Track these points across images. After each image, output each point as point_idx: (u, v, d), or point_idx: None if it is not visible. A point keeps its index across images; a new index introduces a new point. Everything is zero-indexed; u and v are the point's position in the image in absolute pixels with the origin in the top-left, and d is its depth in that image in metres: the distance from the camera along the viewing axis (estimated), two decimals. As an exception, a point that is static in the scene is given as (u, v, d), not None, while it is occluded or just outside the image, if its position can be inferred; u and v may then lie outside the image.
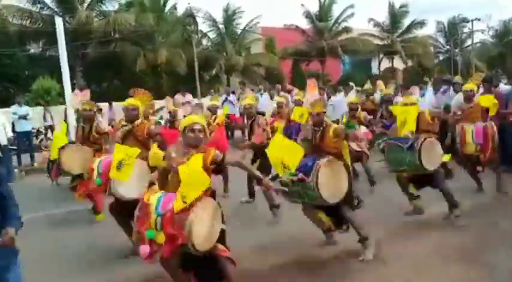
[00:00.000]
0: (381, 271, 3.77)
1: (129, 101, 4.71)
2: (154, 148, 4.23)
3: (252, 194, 6.18)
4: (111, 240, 4.84)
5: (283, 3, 60.02)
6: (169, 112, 7.44)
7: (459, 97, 7.24)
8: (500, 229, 4.61)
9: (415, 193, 5.23)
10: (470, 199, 5.61)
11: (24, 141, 10.58)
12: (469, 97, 6.01)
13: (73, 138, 7.01)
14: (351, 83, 12.29)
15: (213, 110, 7.26)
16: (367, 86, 8.92)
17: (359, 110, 6.99)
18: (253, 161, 5.68)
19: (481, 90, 7.84)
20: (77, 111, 7.56)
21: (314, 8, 30.08)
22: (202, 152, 3.15)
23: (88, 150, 5.56)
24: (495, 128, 5.83)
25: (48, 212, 6.30)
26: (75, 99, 6.68)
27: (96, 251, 4.66)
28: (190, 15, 24.72)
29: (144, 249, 2.86)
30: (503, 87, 8.12)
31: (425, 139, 4.81)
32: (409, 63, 32.22)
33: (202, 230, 2.89)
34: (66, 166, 5.56)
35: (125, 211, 4.08)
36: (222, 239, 3.11)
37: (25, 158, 10.67)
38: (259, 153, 5.45)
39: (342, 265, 3.92)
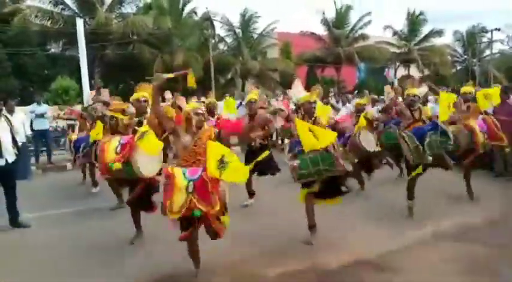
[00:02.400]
0: (393, 280, 3.74)
1: (140, 93, 4.94)
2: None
3: (251, 193, 6.17)
4: (126, 236, 4.90)
5: (300, 9, 60.10)
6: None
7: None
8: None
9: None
10: (482, 210, 5.53)
11: (41, 140, 10.76)
12: (467, 100, 6.39)
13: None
14: (366, 91, 12.23)
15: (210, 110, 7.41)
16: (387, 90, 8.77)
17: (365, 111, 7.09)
18: (251, 159, 5.65)
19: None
20: (85, 108, 7.94)
21: (331, 15, 30.09)
22: (206, 131, 3.85)
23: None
24: (493, 118, 6.22)
25: (64, 210, 6.39)
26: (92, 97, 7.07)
27: (110, 247, 4.71)
28: (207, 19, 24.93)
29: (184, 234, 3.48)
30: None
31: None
32: (426, 72, 31.89)
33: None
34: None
35: (140, 200, 4.56)
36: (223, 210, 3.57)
37: (42, 156, 10.87)
38: (259, 150, 5.64)
39: (351, 273, 3.90)
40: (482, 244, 4.48)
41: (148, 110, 4.95)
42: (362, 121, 6.62)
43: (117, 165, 4.32)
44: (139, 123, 4.85)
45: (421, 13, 31.04)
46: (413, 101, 5.32)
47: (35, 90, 20.25)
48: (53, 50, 24.25)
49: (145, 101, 4.93)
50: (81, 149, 7.34)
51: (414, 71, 31.93)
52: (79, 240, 5.04)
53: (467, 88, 6.67)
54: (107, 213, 6.08)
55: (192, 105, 4.09)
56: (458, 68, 36.04)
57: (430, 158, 4.93)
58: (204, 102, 12.53)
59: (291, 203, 5.35)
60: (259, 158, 5.30)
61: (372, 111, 7.10)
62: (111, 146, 4.48)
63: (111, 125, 5.84)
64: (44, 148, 10.95)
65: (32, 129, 10.14)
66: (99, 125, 6.43)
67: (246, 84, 26.90)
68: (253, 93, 6.36)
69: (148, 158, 4.36)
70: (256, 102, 6.13)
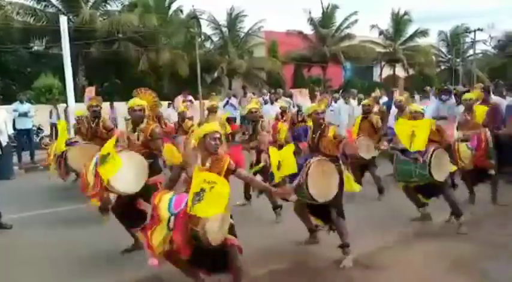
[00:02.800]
0: (381, 278, 3.77)
1: (135, 101, 4.39)
2: (169, 146, 3.97)
3: (248, 197, 6.19)
4: (111, 238, 4.85)
5: (286, 8, 60.23)
6: (178, 113, 7.74)
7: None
8: (499, 239, 4.62)
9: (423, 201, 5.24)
10: (470, 208, 5.62)
11: (24, 139, 10.57)
12: (469, 107, 6.09)
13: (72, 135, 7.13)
14: (354, 90, 12.33)
15: (213, 111, 7.32)
16: (376, 93, 8.80)
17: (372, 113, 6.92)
18: (256, 164, 5.73)
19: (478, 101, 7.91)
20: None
21: (317, 14, 30.20)
22: (219, 158, 3.36)
23: (95, 147, 5.41)
24: (489, 134, 5.88)
25: (48, 210, 6.29)
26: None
27: (97, 249, 4.66)
28: (194, 18, 24.77)
29: (152, 262, 3.12)
30: (497, 99, 8.09)
31: (434, 150, 4.71)
32: (411, 71, 32.27)
33: (215, 226, 2.98)
34: (72, 164, 5.57)
35: (126, 209, 4.20)
36: (231, 232, 3.24)
37: (25, 155, 10.67)
38: (261, 157, 5.51)
39: (342, 272, 3.92)
40: (467, 241, 4.56)
41: (145, 120, 4.41)
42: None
43: (95, 203, 4.14)
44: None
45: (405, 13, 31.40)
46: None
47: (18, 88, 19.87)
48: (36, 48, 23.76)
49: (141, 109, 4.37)
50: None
51: (400, 71, 32.30)
52: (64, 240, 4.97)
53: (470, 94, 6.33)
54: (92, 213, 5.99)
55: (210, 126, 3.44)
56: (443, 68, 36.58)
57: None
58: (191, 101, 12.50)
59: (281, 202, 5.37)
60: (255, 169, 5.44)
61: (377, 117, 6.89)
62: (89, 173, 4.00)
63: (90, 128, 5.75)
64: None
65: (14, 129, 9.96)
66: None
67: (232, 83, 26.85)
68: (254, 102, 6.34)
69: (127, 173, 3.99)
70: (258, 111, 6.02)
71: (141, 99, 4.45)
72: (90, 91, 6.48)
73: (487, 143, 5.79)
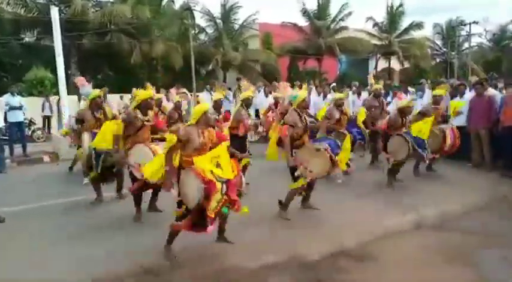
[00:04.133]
0: (375, 269, 3.77)
1: (145, 94, 5.29)
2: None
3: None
4: (105, 231, 4.81)
5: (281, 0, 59.89)
6: (174, 103, 8.06)
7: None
8: (492, 230, 4.63)
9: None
10: (461, 200, 5.63)
11: (16, 132, 10.44)
12: (436, 101, 7.06)
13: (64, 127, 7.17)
14: (356, 83, 12.25)
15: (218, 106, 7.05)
16: (377, 85, 8.66)
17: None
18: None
19: (472, 93, 7.96)
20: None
21: (312, 6, 30.03)
22: (209, 132, 4.13)
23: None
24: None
25: (40, 204, 6.22)
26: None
27: (91, 241, 4.62)
28: (187, 9, 24.53)
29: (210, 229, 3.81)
30: (493, 91, 8.15)
31: None
32: (406, 64, 32.26)
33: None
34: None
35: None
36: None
37: (17, 148, 10.54)
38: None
39: (331, 262, 3.91)
40: (462, 233, 4.57)
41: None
42: (361, 115, 7.28)
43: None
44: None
45: (400, 5, 31.31)
46: (409, 112, 6.57)
47: (9, 80, 19.63)
48: (27, 39, 23.45)
49: (151, 99, 5.34)
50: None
51: (395, 63, 32.28)
52: (58, 233, 4.92)
53: (439, 91, 7.31)
54: (86, 205, 5.95)
55: (204, 107, 4.14)
56: (438, 60, 36.60)
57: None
58: (185, 93, 12.43)
59: (271, 195, 5.34)
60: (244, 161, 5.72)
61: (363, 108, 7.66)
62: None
63: (96, 119, 6.01)
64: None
65: (5, 121, 9.83)
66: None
67: (227, 75, 26.70)
68: (250, 90, 6.62)
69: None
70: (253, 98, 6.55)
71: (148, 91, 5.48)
72: (82, 80, 6.45)
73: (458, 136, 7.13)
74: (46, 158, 10.28)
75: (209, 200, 3.66)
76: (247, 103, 6.33)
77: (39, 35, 22.19)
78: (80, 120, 6.44)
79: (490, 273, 3.66)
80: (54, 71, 12.93)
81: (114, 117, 6.10)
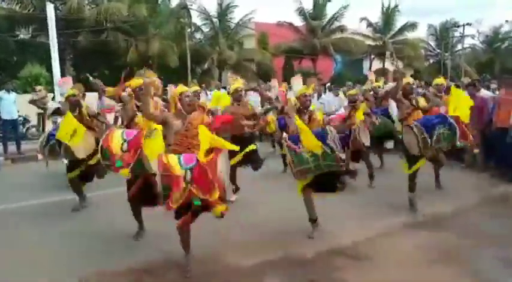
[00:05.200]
0: (368, 267, 3.82)
1: (140, 81, 4.68)
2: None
3: (235, 188, 6.08)
4: (102, 227, 4.83)
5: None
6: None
7: None
8: (482, 230, 4.70)
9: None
10: (453, 200, 5.71)
11: (10, 129, 10.41)
12: (439, 90, 6.70)
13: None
14: (350, 83, 12.31)
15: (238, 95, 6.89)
16: (378, 83, 8.72)
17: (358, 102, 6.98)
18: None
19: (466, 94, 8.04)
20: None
21: (308, 6, 30.10)
22: (198, 115, 3.83)
23: (90, 133, 5.56)
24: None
25: (35, 201, 6.23)
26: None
27: (88, 238, 4.64)
28: (184, 8, 24.50)
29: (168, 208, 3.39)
30: (485, 92, 8.24)
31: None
32: (400, 65, 32.41)
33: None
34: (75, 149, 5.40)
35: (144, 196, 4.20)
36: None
37: (11, 145, 10.51)
38: (245, 140, 5.65)
39: (326, 261, 3.97)
40: (455, 233, 4.64)
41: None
42: (360, 116, 6.32)
43: (125, 172, 4.14)
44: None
45: (395, 6, 31.46)
46: (411, 89, 5.51)
47: (3, 77, 19.49)
48: (22, 36, 23.27)
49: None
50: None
51: (389, 64, 32.45)
52: (49, 231, 4.93)
53: (440, 80, 7.05)
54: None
55: (180, 89, 3.99)
56: (431, 61, 36.83)
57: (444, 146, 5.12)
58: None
59: (267, 194, 5.39)
60: (247, 149, 5.44)
61: (365, 105, 7.00)
62: (115, 140, 4.26)
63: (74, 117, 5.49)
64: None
65: (0, 118, 9.80)
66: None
67: (222, 74, 26.70)
68: (238, 82, 6.30)
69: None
70: (242, 90, 6.10)
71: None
72: (67, 81, 6.21)
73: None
74: (40, 156, 10.24)
75: (170, 189, 3.33)
76: (236, 96, 6.00)
77: (34, 32, 22.05)
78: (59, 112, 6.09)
79: (483, 273, 3.72)
80: (49, 68, 12.90)
81: (94, 116, 5.73)
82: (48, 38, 11.31)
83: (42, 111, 14.58)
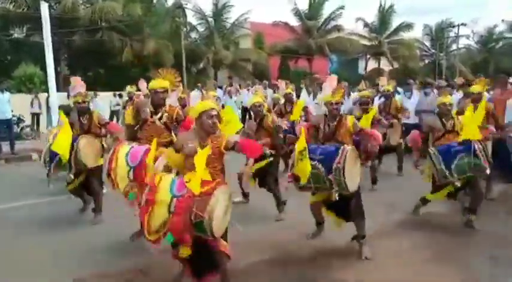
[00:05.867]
0: (362, 267, 3.83)
1: (159, 83, 4.16)
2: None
3: (245, 194, 5.85)
4: (96, 228, 4.80)
5: (273, -1, 59.80)
6: (179, 99, 7.35)
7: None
8: (475, 229, 4.72)
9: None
10: (446, 200, 5.70)
11: (4, 129, 10.34)
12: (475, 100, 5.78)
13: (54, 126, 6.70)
14: (345, 83, 12.28)
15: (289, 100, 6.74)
16: (387, 86, 7.85)
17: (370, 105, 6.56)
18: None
19: (460, 95, 8.05)
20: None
21: (304, 6, 30.16)
22: (217, 137, 3.21)
23: (97, 142, 5.30)
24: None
25: (30, 201, 6.19)
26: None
27: (83, 239, 4.62)
28: (179, 7, 24.46)
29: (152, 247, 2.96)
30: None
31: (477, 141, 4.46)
32: (395, 65, 32.57)
33: (219, 215, 2.86)
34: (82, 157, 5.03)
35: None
36: (224, 236, 3.17)
37: (5, 145, 10.43)
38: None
39: (324, 261, 3.96)
40: (446, 232, 4.65)
41: (167, 102, 4.27)
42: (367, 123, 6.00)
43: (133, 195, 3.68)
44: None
45: (391, 6, 31.61)
46: (447, 110, 4.80)
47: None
48: (16, 35, 23.17)
49: (164, 91, 4.19)
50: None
51: (384, 64, 32.57)
52: (42, 232, 4.90)
53: (477, 87, 5.85)
54: (73, 204, 5.92)
55: (206, 104, 3.25)
56: (426, 61, 37.03)
57: (458, 182, 4.47)
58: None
59: (266, 194, 5.38)
60: (258, 166, 5.05)
61: (375, 109, 6.31)
62: (120, 163, 3.87)
63: (81, 124, 5.21)
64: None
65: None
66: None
67: (218, 74, 26.69)
68: (258, 95, 5.65)
69: None
70: (261, 105, 5.37)
71: (165, 81, 4.22)
72: (77, 81, 5.76)
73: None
74: (35, 156, 10.19)
75: (150, 210, 2.82)
76: (255, 111, 5.37)
77: (29, 31, 21.96)
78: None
79: (475, 272, 3.74)
80: (43, 67, 12.83)
81: (105, 124, 5.37)
82: (42, 37, 11.23)
83: (37, 111, 14.57)
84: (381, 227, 4.82)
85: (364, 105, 6.38)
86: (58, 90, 11.44)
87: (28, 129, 13.98)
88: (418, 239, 4.49)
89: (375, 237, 4.42)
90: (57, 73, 13.47)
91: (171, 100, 4.83)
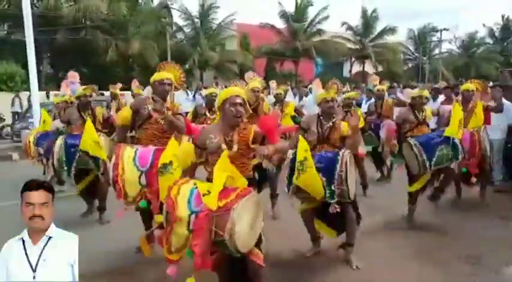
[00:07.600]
0: (344, 268, 3.85)
1: (163, 74, 3.90)
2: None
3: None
4: (78, 230, 4.71)
5: (259, 0, 60.10)
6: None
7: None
8: (455, 229, 4.80)
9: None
10: (429, 201, 5.78)
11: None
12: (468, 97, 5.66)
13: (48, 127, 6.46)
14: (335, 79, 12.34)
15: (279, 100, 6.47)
16: (380, 86, 7.56)
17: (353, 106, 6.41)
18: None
19: (442, 97, 8.17)
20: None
21: (290, 8, 30.31)
22: (243, 129, 2.81)
23: (104, 137, 5.10)
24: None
25: (15, 201, 6.03)
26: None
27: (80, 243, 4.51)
28: (165, 7, 24.33)
29: (171, 271, 2.58)
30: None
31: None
32: (380, 68, 32.99)
33: (243, 230, 2.44)
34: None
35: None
36: (258, 243, 2.69)
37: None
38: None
39: (306, 263, 3.98)
40: (426, 233, 4.72)
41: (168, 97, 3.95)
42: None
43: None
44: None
45: (374, 10, 32.01)
46: (421, 103, 4.87)
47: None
48: (-4, 33, 22.75)
49: (170, 84, 3.90)
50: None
51: (369, 67, 32.95)
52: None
53: (468, 85, 5.59)
54: (65, 204, 5.81)
55: (229, 90, 2.93)
56: (410, 65, 37.60)
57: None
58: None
59: (264, 194, 5.37)
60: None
61: (361, 110, 6.26)
62: (129, 170, 3.55)
63: (84, 121, 4.97)
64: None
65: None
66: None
67: (204, 75, 26.60)
68: (256, 80, 5.31)
69: None
70: (260, 90, 5.17)
71: (169, 73, 3.97)
72: (74, 76, 5.57)
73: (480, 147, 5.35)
74: (15, 156, 9.99)
75: (170, 229, 2.48)
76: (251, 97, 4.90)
77: (10, 29, 21.54)
78: (65, 121, 5.54)
79: (455, 272, 3.80)
80: (25, 66, 12.58)
81: (107, 120, 5.27)
82: (24, 35, 11.02)
83: (18, 110, 14.29)
84: (361, 228, 4.85)
85: (346, 107, 6.17)
86: (40, 88, 11.24)
87: (8, 128, 13.70)
88: (398, 240, 4.54)
89: (358, 239, 4.44)
90: (39, 72, 13.24)
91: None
